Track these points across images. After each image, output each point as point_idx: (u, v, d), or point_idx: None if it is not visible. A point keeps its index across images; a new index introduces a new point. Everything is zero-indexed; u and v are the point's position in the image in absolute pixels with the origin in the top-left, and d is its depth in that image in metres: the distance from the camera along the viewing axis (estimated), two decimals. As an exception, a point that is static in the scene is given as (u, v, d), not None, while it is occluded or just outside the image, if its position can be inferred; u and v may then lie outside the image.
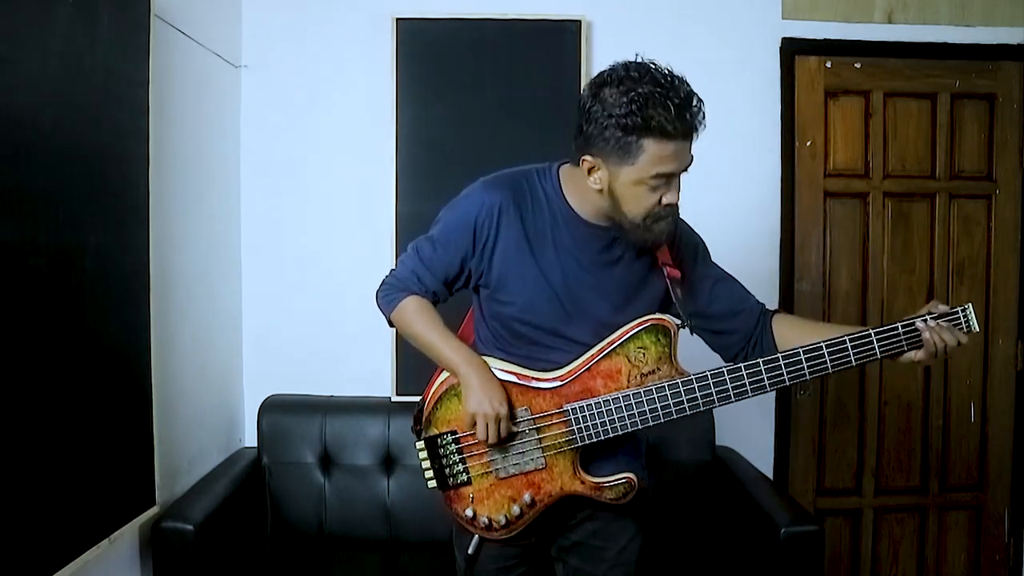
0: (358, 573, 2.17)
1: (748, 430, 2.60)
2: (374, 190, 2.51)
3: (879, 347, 1.31)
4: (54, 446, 1.54)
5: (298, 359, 2.56)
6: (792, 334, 1.42)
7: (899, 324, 1.32)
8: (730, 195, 2.59)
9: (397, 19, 2.46)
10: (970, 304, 1.34)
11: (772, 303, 2.59)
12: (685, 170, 1.33)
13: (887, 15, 2.61)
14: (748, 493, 2.22)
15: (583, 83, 2.49)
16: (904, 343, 1.31)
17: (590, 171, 1.31)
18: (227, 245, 2.49)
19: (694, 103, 1.27)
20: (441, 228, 1.42)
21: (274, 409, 2.41)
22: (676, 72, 1.29)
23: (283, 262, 2.56)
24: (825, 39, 2.60)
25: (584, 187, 1.34)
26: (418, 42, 2.47)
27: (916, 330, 1.31)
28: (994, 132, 2.67)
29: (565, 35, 2.48)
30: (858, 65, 2.63)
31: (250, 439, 2.52)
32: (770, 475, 2.59)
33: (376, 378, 2.51)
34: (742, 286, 1.51)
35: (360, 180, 2.54)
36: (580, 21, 2.49)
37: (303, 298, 2.56)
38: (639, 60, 1.29)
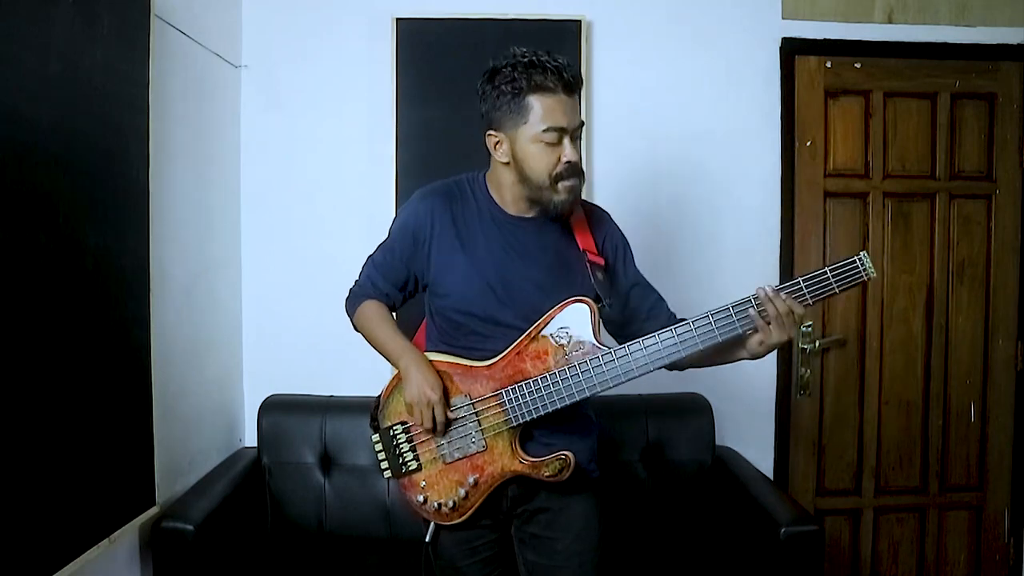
0: (358, 573, 2.17)
1: (748, 430, 2.60)
2: (374, 190, 2.51)
3: (738, 320, 1.38)
4: (54, 446, 1.54)
5: (298, 359, 2.56)
6: None
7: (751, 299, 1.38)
8: (730, 195, 2.59)
9: (397, 19, 2.46)
10: (864, 252, 1.34)
11: (772, 303, 2.60)
12: (579, 131, 1.45)
13: (887, 15, 2.61)
14: (748, 493, 2.22)
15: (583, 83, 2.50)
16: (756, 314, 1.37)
17: (496, 146, 1.47)
18: (227, 245, 2.49)
19: (568, 65, 1.43)
20: (389, 236, 1.62)
21: (274, 409, 2.41)
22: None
23: (283, 262, 2.56)
24: (825, 39, 2.60)
25: (501, 178, 1.51)
26: (418, 42, 2.47)
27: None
28: (994, 132, 2.67)
29: (565, 35, 2.48)
30: (858, 65, 2.63)
31: (250, 439, 2.52)
32: (770, 475, 2.59)
33: (376, 378, 2.48)
34: (657, 294, 1.61)
35: (360, 180, 2.54)
36: (580, 21, 2.49)
37: (303, 298, 2.56)
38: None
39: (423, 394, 1.46)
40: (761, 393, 2.62)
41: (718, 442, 2.45)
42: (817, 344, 2.63)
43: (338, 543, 2.31)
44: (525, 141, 1.43)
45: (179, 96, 2.10)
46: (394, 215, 2.45)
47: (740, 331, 1.38)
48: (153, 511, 1.94)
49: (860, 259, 1.33)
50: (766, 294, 1.36)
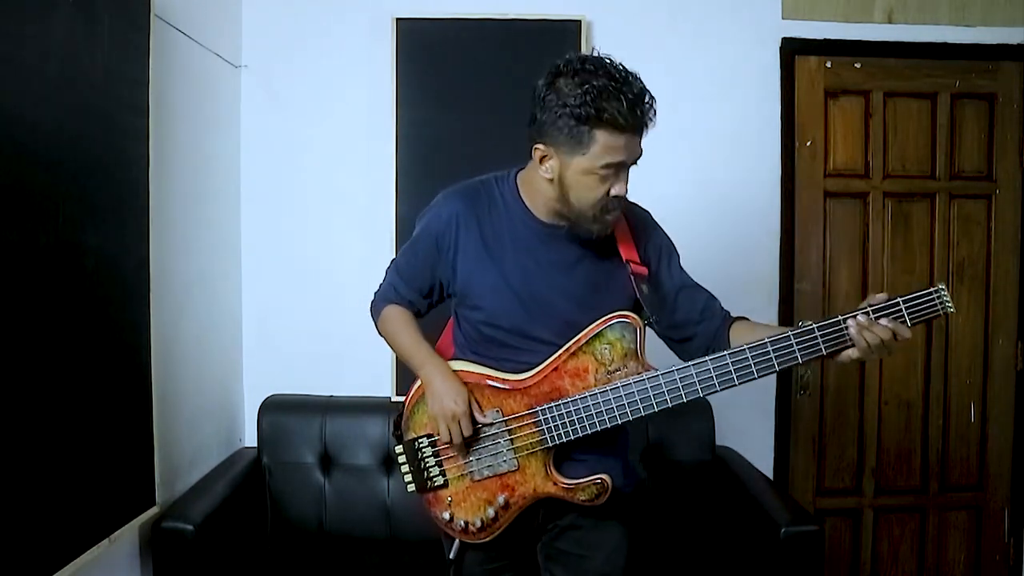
0: (358, 573, 2.16)
1: (748, 430, 2.60)
2: (374, 190, 2.51)
3: (823, 342, 1.26)
4: (54, 446, 1.54)
5: (298, 359, 2.56)
6: (746, 337, 1.35)
7: (840, 317, 1.26)
8: (730, 195, 2.59)
9: (397, 19, 2.46)
10: (942, 285, 1.27)
11: (772, 303, 2.60)
12: (635, 163, 1.34)
13: (887, 15, 2.61)
14: (748, 493, 2.22)
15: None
16: (848, 338, 1.25)
17: (542, 160, 1.33)
18: (227, 245, 2.49)
19: (646, 99, 1.28)
20: (412, 240, 1.50)
21: (274, 409, 2.41)
22: (631, 69, 1.31)
23: (283, 262, 2.57)
24: (825, 39, 2.60)
25: (538, 186, 1.37)
26: (418, 42, 2.47)
27: (846, 327, 1.25)
28: (994, 132, 2.67)
29: (565, 35, 2.48)
30: (858, 65, 2.63)
31: (250, 439, 2.52)
32: (770, 475, 2.59)
33: (376, 378, 2.51)
34: (708, 293, 1.49)
35: (360, 180, 2.54)
36: (580, 21, 2.49)
37: (303, 298, 2.56)
38: (596, 54, 1.32)
39: (446, 407, 1.37)
40: (761, 393, 2.62)
41: (718, 442, 2.45)
42: (817, 344, 2.62)
43: (338, 543, 2.31)
44: (577, 170, 1.30)
45: (179, 96, 2.10)
46: (393, 210, 2.48)
47: (824, 352, 1.26)
48: (153, 511, 1.94)
49: (938, 291, 1.27)
50: (859, 323, 1.23)
